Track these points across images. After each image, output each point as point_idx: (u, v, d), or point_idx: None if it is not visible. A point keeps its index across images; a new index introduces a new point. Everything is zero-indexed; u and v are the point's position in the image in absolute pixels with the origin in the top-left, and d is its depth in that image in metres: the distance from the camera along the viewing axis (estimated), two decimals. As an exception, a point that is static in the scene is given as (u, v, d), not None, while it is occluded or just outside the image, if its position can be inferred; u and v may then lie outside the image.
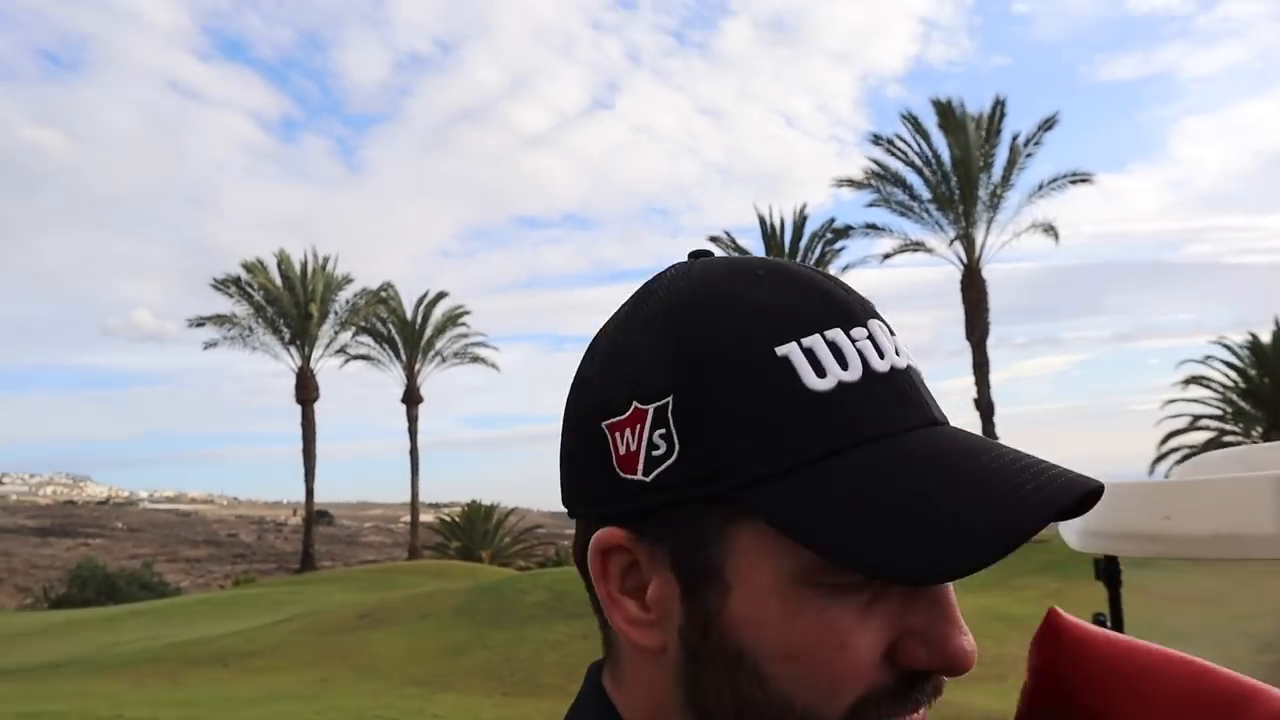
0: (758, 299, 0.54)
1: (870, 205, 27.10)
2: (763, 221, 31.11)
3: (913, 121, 26.13)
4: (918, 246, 26.65)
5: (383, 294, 35.93)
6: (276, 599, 21.05)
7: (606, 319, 0.61)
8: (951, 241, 26.32)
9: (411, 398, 36.71)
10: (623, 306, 0.61)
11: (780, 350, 0.51)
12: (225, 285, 33.64)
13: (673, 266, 0.61)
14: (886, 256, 27.30)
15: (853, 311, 0.55)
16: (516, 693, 9.51)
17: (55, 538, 68.48)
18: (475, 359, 38.14)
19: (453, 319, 37.62)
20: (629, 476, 0.53)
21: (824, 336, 0.52)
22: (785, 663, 0.50)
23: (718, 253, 0.62)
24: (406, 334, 36.70)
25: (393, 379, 37.21)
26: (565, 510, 0.60)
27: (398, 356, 36.87)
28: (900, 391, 0.53)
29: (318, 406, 34.54)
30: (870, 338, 0.54)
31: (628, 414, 0.53)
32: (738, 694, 0.51)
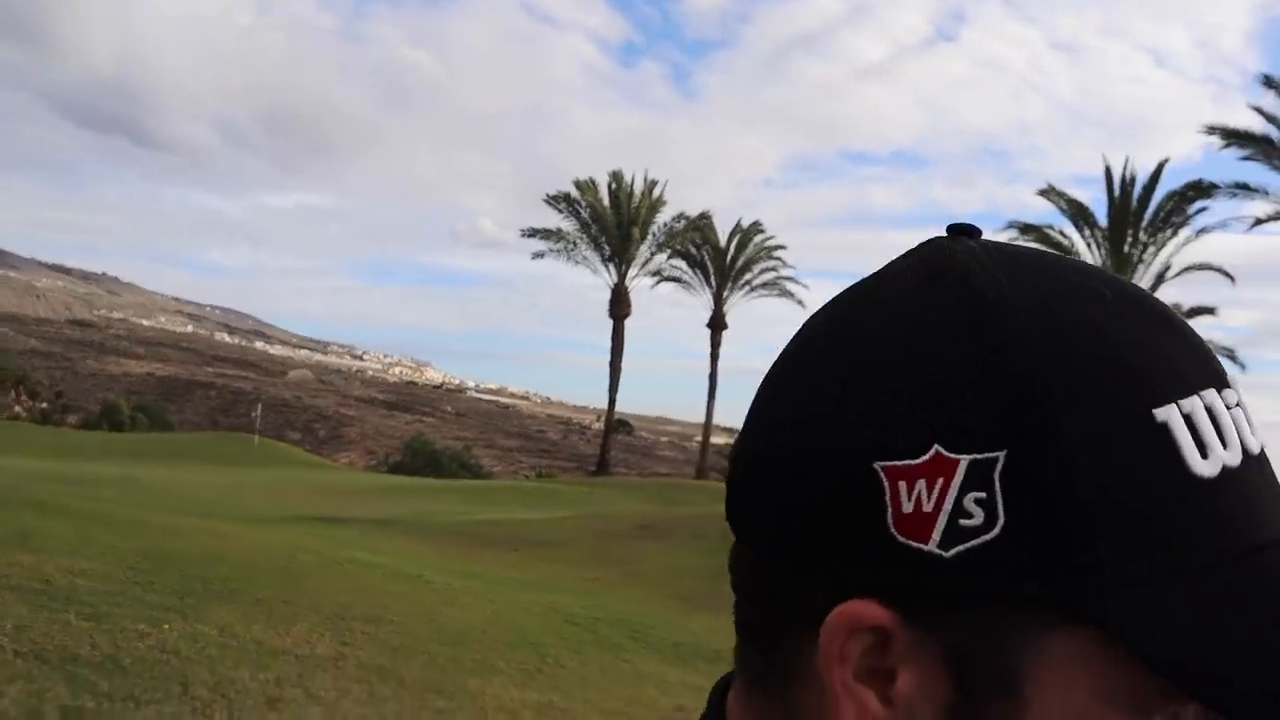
0: (1122, 337, 0.41)
1: (1245, 159, 23.65)
2: (1109, 175, 28.19)
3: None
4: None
5: (700, 223, 36.82)
6: (570, 497, 22.76)
7: (858, 295, 0.46)
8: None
9: (717, 323, 37.62)
10: (891, 289, 0.44)
11: (1159, 415, 0.39)
12: (556, 201, 36.05)
13: (953, 246, 0.45)
14: (1259, 222, 23.90)
15: (1219, 367, 0.43)
16: (770, 625, 9.74)
17: (399, 412, 78.05)
18: (783, 293, 38.33)
19: (765, 251, 37.87)
20: (911, 543, 0.39)
21: (1202, 400, 0.40)
22: None
23: (995, 233, 0.45)
24: (718, 262, 37.46)
25: (701, 303, 38.29)
26: (763, 553, 0.44)
27: (708, 282, 37.80)
28: (1269, 480, 0.42)
29: (628, 323, 36.41)
30: (1240, 404, 0.42)
31: (923, 460, 0.39)
32: None
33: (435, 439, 45.71)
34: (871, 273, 0.47)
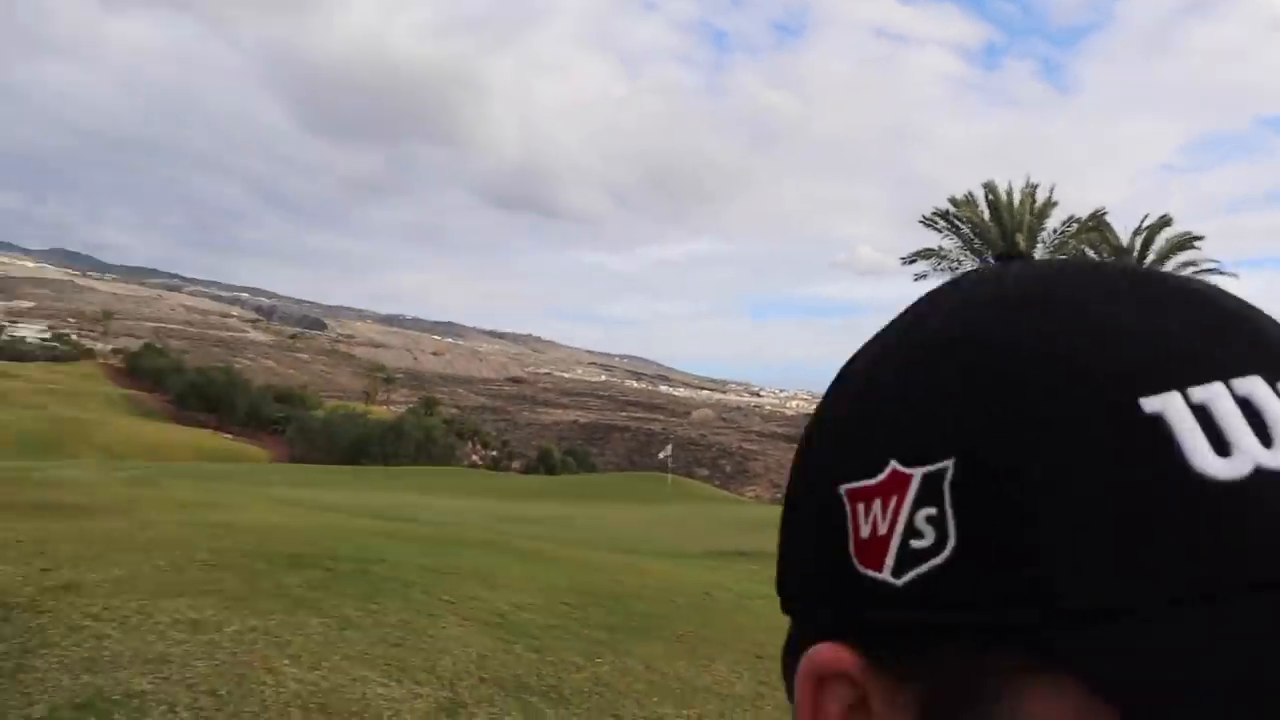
0: (1118, 321, 0.33)
1: None
2: None
3: None
4: None
5: (1092, 223, 33.59)
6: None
7: (871, 337, 0.40)
8: None
9: (1132, 330, 33.96)
10: (892, 323, 0.39)
11: (1149, 405, 0.30)
12: (933, 220, 34.78)
13: (973, 271, 0.39)
14: None
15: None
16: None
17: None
18: (1211, 287, 33.76)
19: (1179, 245, 33.59)
20: (869, 572, 0.33)
21: (1232, 388, 0.31)
22: None
23: None
24: (1128, 261, 33.88)
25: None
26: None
27: (1118, 286, 34.34)
28: None
29: (1028, 338, 33.98)
30: None
31: (880, 479, 0.33)
32: None
33: (834, 470, 45.81)
34: None
